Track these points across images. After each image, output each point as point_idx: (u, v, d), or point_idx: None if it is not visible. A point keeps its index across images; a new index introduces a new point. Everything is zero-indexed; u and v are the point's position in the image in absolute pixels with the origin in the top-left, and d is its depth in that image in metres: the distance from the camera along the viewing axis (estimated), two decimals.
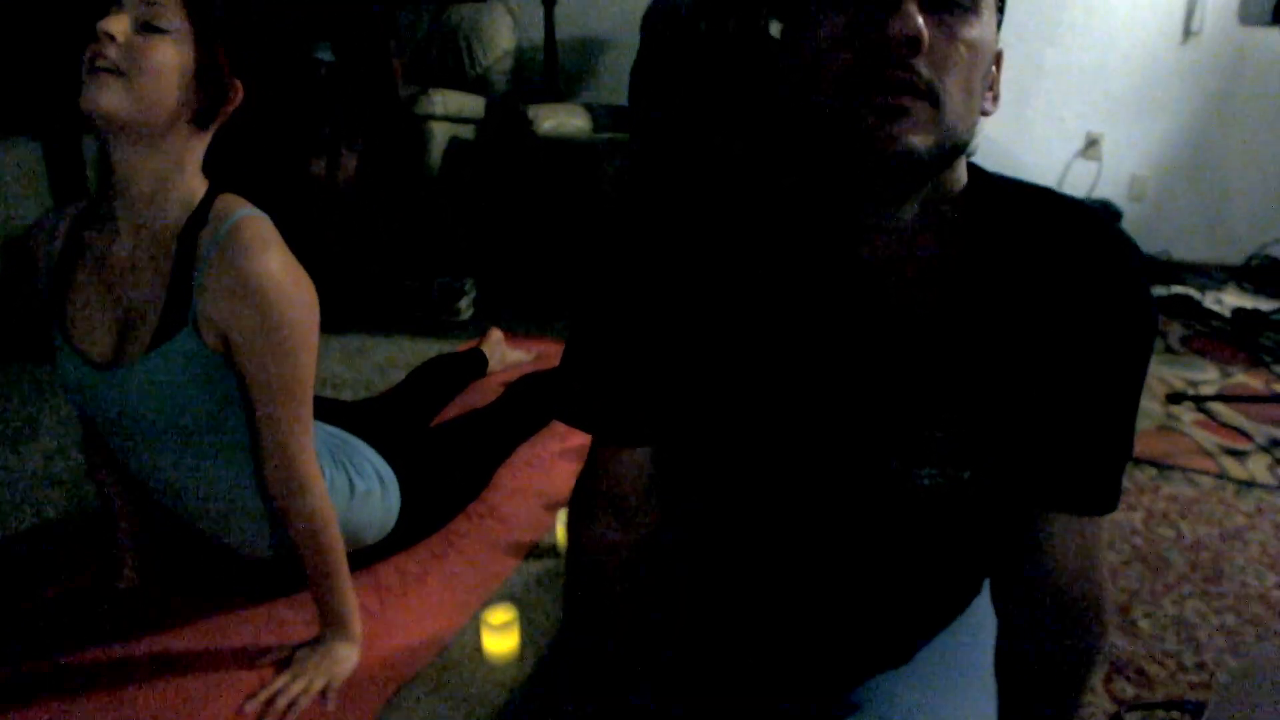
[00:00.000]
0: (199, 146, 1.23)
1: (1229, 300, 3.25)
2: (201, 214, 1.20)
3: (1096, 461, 0.80)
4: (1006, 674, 0.93)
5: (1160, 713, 1.29)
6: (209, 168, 1.25)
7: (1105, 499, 0.81)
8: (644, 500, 0.91)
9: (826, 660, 0.95)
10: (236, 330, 1.18)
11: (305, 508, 1.26)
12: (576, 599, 1.00)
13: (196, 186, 1.22)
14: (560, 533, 1.60)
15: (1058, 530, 0.82)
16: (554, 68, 3.62)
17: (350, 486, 1.43)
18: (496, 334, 2.46)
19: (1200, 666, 1.39)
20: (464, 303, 2.77)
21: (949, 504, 0.79)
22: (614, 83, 3.68)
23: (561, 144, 3.03)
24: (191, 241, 1.19)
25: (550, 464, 1.91)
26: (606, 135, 3.18)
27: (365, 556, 1.51)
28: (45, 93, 2.48)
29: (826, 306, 0.75)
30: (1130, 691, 1.33)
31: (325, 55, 2.80)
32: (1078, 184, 3.58)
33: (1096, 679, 1.35)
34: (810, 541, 0.85)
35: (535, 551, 1.62)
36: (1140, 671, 1.37)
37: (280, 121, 2.92)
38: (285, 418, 1.23)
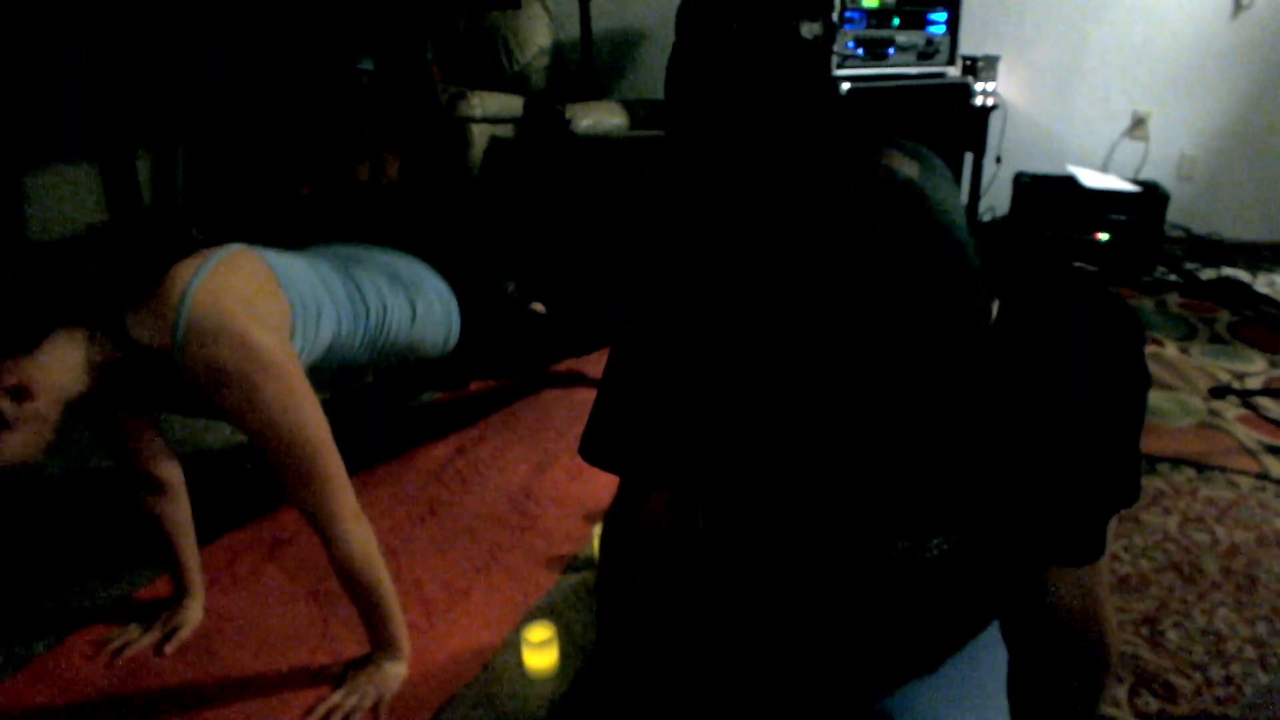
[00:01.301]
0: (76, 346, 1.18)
1: None
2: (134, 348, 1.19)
3: (1085, 518, 0.83)
4: (1018, 701, 0.98)
5: None
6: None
7: (1093, 549, 0.84)
8: (669, 534, 0.97)
9: (850, 676, 1.00)
10: (229, 416, 1.22)
11: (342, 554, 1.30)
12: (608, 623, 1.07)
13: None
14: (597, 545, 1.66)
15: (1056, 576, 0.86)
16: (590, 64, 3.64)
17: (411, 306, 1.58)
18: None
19: (1228, 680, 1.40)
20: (511, 285, 2.84)
21: (956, 564, 0.83)
22: (652, 78, 3.69)
23: (599, 142, 3.07)
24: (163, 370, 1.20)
25: (588, 475, 1.97)
26: (644, 133, 3.20)
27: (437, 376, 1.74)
28: (100, 116, 2.58)
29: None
30: (1155, 705, 1.36)
31: (367, 65, 2.87)
32: (1124, 164, 3.51)
33: (1122, 692, 1.37)
34: (825, 593, 0.90)
35: (574, 564, 1.68)
36: (1166, 685, 1.39)
37: (326, 130, 3.00)
38: (306, 473, 1.24)
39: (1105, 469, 0.80)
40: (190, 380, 1.19)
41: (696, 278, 0.83)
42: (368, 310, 1.52)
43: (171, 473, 1.49)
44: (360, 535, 1.31)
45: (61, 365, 1.15)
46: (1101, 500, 0.82)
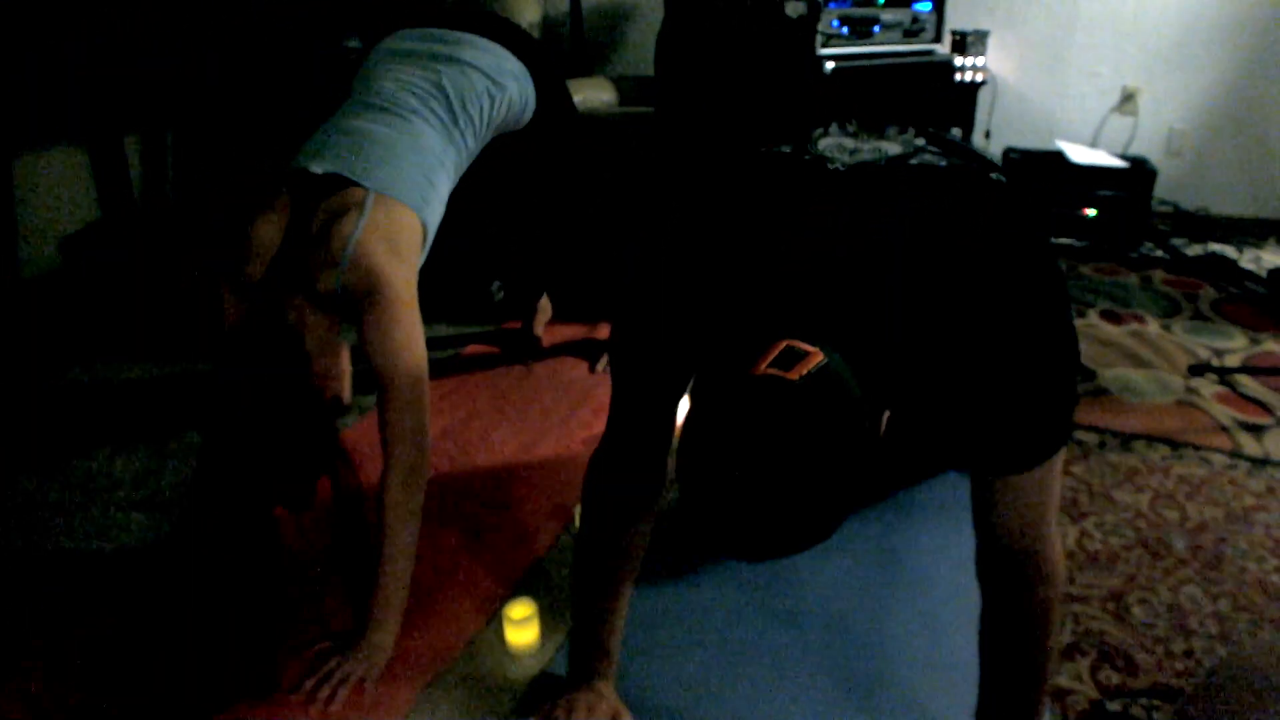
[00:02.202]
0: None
1: (1268, 259, 3.20)
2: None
3: (1004, 425, 0.87)
4: (981, 646, 1.04)
5: (1143, 701, 1.36)
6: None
7: (1023, 457, 0.88)
8: (660, 460, 1.11)
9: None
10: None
11: (402, 481, 1.42)
12: (588, 540, 1.21)
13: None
14: (579, 523, 1.70)
15: (994, 492, 0.93)
16: (580, 39, 3.63)
17: (491, 99, 1.74)
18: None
19: (1188, 654, 1.45)
20: (495, 285, 2.86)
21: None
22: (641, 54, 3.68)
23: (588, 120, 3.07)
24: None
25: (574, 454, 2.01)
26: (634, 109, 3.20)
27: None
28: (91, 103, 2.59)
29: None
30: (1116, 679, 1.40)
31: (355, 44, 2.87)
32: (1113, 140, 3.52)
33: (1084, 666, 1.41)
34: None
35: (556, 544, 1.72)
36: (1128, 659, 1.44)
37: (313, 109, 3.00)
38: (410, 399, 1.43)
39: (1022, 374, 0.84)
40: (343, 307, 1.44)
41: (686, 244, 0.93)
42: (465, 143, 1.70)
43: None
44: (422, 471, 1.45)
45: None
46: (1023, 405, 0.86)
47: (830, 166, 0.85)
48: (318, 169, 1.48)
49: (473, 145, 1.74)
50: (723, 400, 0.73)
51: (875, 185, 0.85)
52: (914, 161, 0.88)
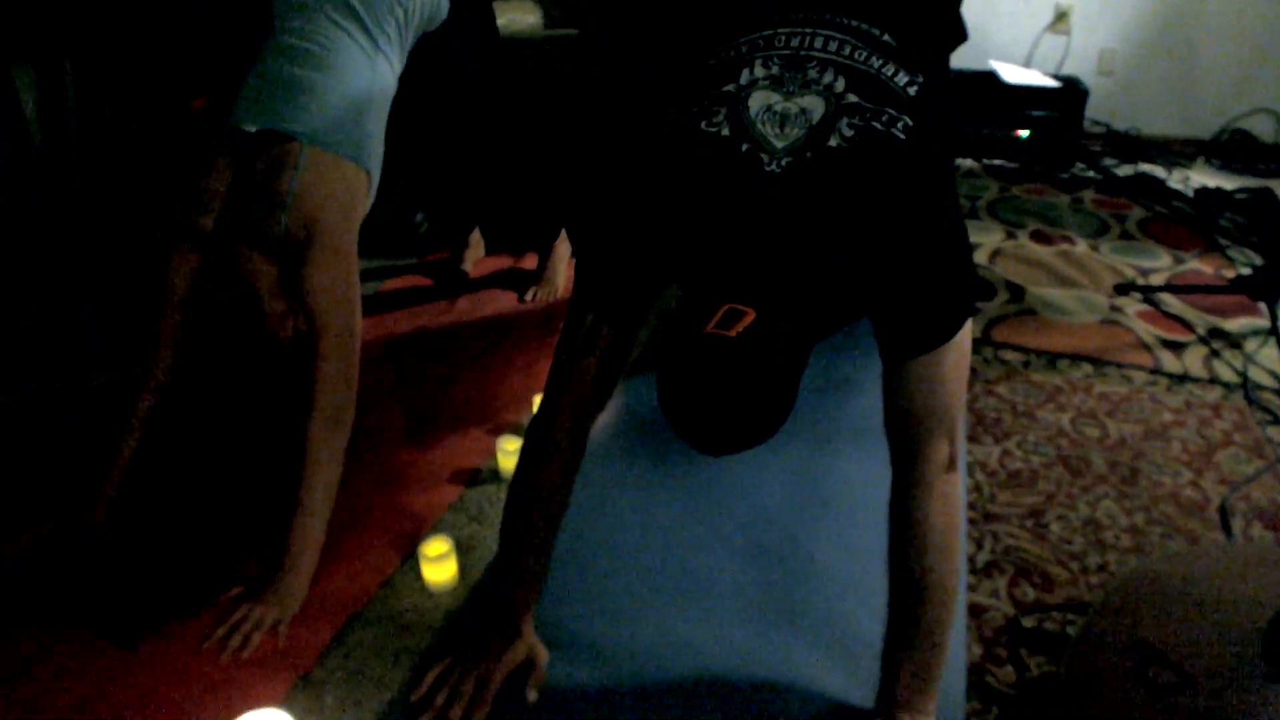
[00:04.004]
0: None
1: (1196, 178, 3.22)
2: None
3: (907, 310, 1.00)
4: (890, 550, 1.11)
5: (1056, 615, 1.38)
6: None
7: (925, 338, 0.99)
8: (613, 379, 1.18)
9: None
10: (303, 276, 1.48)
11: (327, 419, 1.43)
12: (521, 488, 1.23)
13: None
14: (500, 459, 1.66)
15: (900, 378, 1.02)
16: None
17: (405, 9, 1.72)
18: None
19: (1102, 568, 1.47)
20: (419, 216, 2.77)
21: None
22: None
23: (512, 44, 2.95)
24: None
25: (493, 390, 1.96)
26: (559, 31, 3.09)
27: None
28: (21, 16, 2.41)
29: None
30: (1032, 595, 1.42)
31: None
32: (1046, 60, 3.50)
33: (1001, 583, 1.43)
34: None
35: (477, 479, 1.68)
36: (1044, 575, 1.46)
37: (221, 36, 2.84)
38: (341, 341, 1.46)
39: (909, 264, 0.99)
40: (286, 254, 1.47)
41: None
42: (390, 61, 1.69)
43: None
44: (347, 417, 1.46)
45: None
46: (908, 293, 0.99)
47: (765, 169, 0.98)
48: (250, 127, 1.51)
49: (397, 62, 1.73)
50: (680, 354, 0.94)
51: (806, 196, 0.98)
52: (838, 126, 0.99)
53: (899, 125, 1.00)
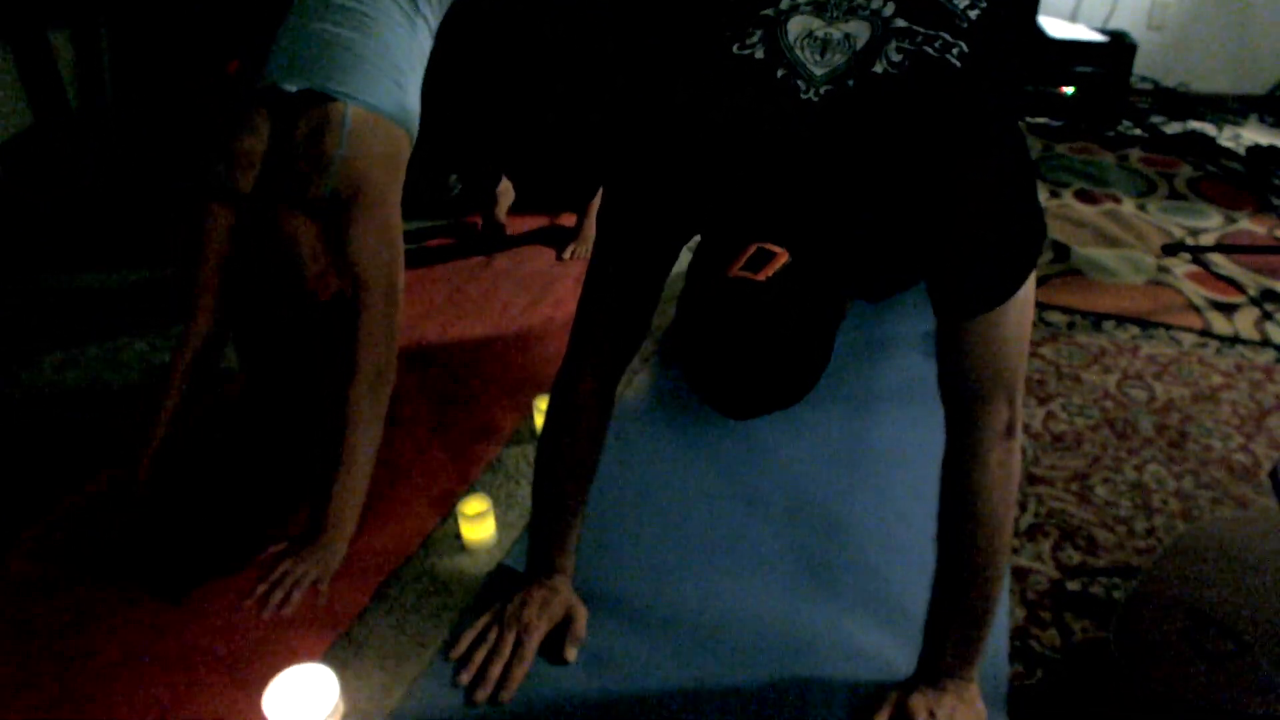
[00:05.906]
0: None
1: (1248, 136, 3.12)
2: None
3: (964, 268, 0.91)
4: (940, 515, 1.05)
5: (1101, 579, 1.36)
6: None
7: (983, 298, 0.91)
8: (639, 336, 1.14)
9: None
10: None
11: (369, 381, 1.43)
12: (551, 444, 1.22)
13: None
14: (537, 418, 1.66)
15: (957, 339, 0.94)
16: None
17: None
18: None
19: (1150, 532, 1.44)
20: (452, 178, 2.75)
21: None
22: None
23: None
24: None
25: (531, 349, 1.96)
26: None
27: None
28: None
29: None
30: (1077, 558, 1.40)
31: None
32: (1093, 13, 3.39)
33: (1046, 546, 1.41)
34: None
35: (514, 438, 1.68)
36: (1090, 539, 1.43)
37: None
38: (384, 300, 1.46)
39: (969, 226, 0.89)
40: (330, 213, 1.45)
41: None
42: (429, 22, 1.65)
43: None
44: (390, 377, 1.47)
45: None
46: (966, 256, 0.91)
47: (802, 96, 0.88)
48: (291, 87, 1.46)
49: (434, 21, 1.69)
50: (705, 298, 0.87)
51: (847, 128, 0.88)
52: (884, 51, 0.88)
53: (954, 51, 0.88)
